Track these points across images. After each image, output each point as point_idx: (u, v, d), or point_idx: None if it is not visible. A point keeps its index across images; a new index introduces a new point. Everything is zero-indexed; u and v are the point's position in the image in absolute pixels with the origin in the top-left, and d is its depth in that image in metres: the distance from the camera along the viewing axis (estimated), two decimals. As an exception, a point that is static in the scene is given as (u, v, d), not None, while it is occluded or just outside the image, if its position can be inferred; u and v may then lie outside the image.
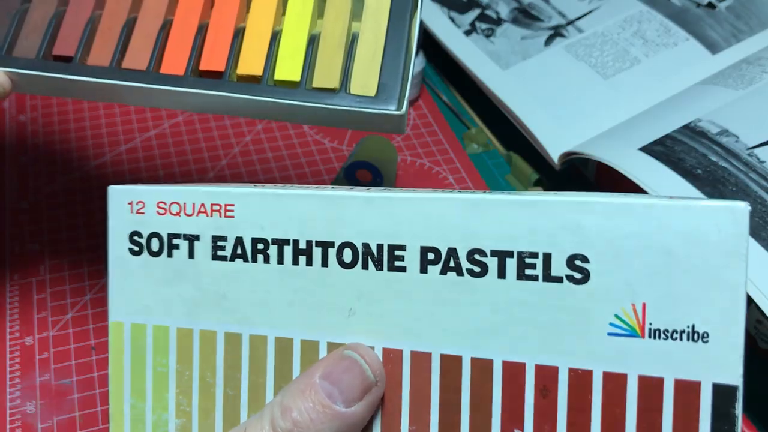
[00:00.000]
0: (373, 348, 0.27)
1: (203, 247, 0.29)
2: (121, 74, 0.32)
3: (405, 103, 0.32)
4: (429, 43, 0.62)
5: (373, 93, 0.32)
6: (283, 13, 0.34)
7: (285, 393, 0.25)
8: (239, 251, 0.28)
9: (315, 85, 0.32)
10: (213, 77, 0.33)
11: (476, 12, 0.63)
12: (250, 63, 0.33)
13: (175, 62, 0.33)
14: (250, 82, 0.32)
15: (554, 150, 0.52)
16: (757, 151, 0.44)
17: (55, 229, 0.50)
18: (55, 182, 0.54)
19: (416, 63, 0.59)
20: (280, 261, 0.28)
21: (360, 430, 0.26)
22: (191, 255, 0.29)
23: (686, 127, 0.47)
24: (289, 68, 0.32)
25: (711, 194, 0.42)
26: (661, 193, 0.43)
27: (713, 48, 0.56)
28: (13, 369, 0.42)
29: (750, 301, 0.38)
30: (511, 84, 0.57)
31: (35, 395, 0.41)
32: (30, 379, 0.42)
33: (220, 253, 0.28)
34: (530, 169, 0.54)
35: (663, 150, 0.45)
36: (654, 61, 0.56)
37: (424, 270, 0.26)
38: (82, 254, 0.49)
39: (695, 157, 0.44)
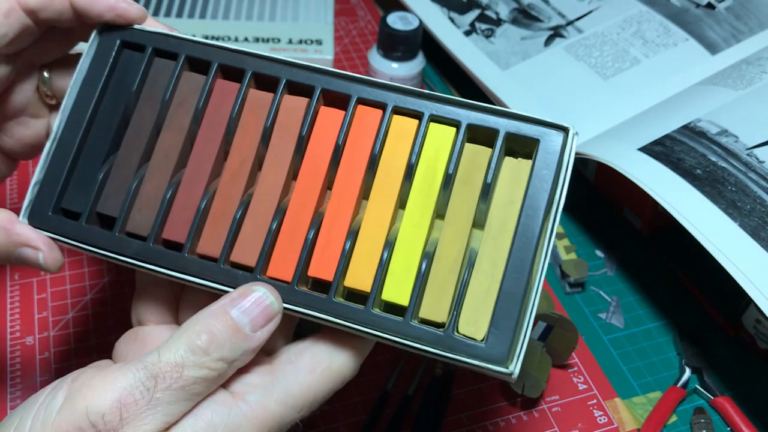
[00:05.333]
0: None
1: None
2: (226, 274, 0.30)
3: (517, 358, 0.27)
4: (429, 43, 0.62)
5: (480, 336, 0.28)
6: (402, 206, 0.31)
7: (198, 320, 0.28)
8: None
9: (422, 315, 0.29)
10: (321, 284, 0.31)
11: (476, 12, 0.64)
12: (360, 275, 0.30)
13: (283, 263, 0.31)
14: (356, 298, 0.30)
15: (554, 150, 0.52)
16: (756, 151, 0.44)
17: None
18: (56, 182, 0.54)
19: (416, 63, 0.59)
20: None
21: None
22: None
23: (686, 127, 0.47)
24: (398, 288, 0.30)
25: (711, 194, 0.42)
26: (661, 194, 0.43)
27: (713, 48, 0.57)
28: (13, 369, 0.42)
29: (750, 301, 0.38)
30: (511, 84, 0.57)
31: (36, 395, 0.41)
32: (30, 379, 0.42)
33: None
34: (530, 169, 0.54)
35: (662, 150, 0.46)
36: (653, 62, 0.56)
37: None
38: (82, 254, 0.49)
39: (695, 157, 0.45)
